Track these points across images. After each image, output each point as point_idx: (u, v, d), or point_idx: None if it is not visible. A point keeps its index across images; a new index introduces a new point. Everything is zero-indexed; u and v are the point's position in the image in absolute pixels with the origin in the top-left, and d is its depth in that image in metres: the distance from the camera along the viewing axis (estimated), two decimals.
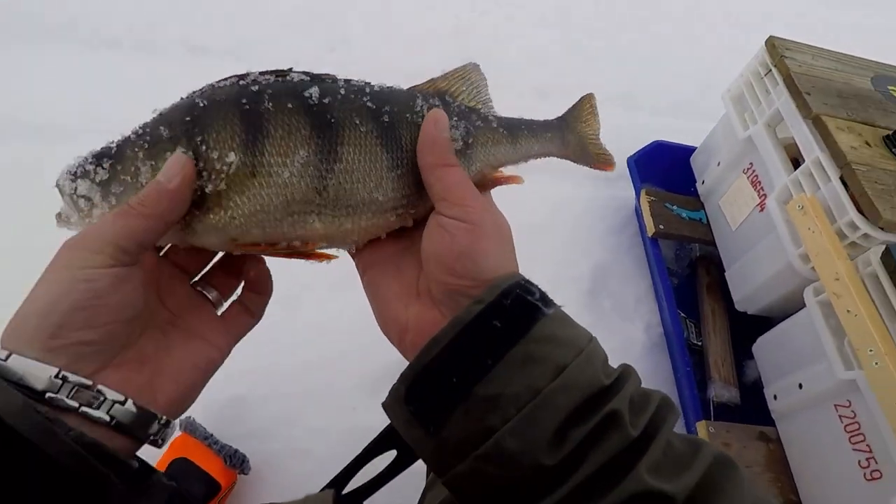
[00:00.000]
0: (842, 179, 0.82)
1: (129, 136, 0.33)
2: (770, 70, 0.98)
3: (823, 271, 0.79)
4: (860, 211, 0.78)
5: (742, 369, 1.05)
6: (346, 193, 0.33)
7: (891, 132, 0.86)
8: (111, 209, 0.32)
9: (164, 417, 0.31)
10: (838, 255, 0.77)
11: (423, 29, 1.75)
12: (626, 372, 0.30)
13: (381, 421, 1.11)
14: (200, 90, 0.34)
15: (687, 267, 1.21)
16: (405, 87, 0.38)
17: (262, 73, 0.34)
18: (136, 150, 0.32)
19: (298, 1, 1.72)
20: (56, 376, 0.27)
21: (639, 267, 1.23)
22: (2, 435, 0.24)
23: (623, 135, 1.43)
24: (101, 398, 0.28)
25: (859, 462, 0.74)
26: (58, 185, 0.33)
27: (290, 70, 0.35)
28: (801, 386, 0.85)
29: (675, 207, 1.16)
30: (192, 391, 0.33)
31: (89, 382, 0.28)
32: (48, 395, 0.26)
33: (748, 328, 1.03)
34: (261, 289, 0.38)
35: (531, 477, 0.27)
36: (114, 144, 0.33)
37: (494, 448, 0.27)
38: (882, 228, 0.76)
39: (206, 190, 0.32)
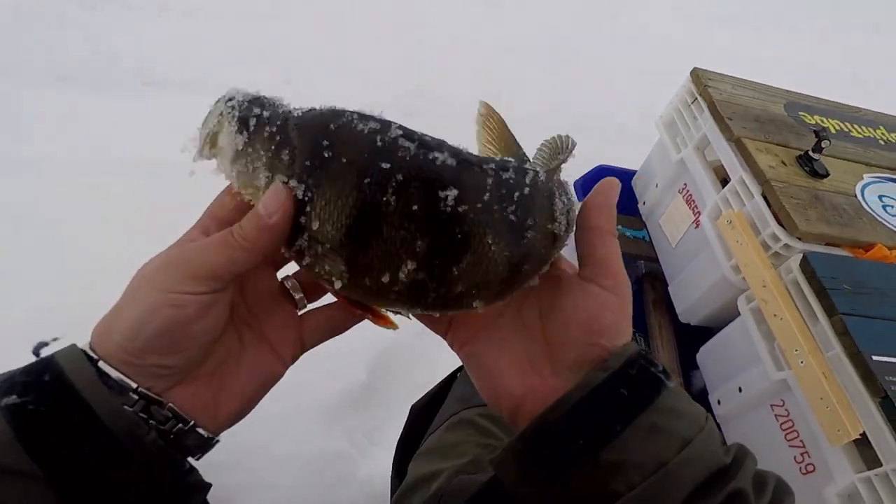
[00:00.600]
0: (763, 196, 0.89)
1: (274, 123, 0.29)
2: (696, 98, 1.07)
3: (752, 280, 0.85)
4: (780, 223, 0.85)
5: (689, 378, 1.10)
6: (444, 297, 0.29)
7: (803, 152, 0.95)
8: (230, 176, 0.30)
9: (217, 439, 0.32)
10: (764, 265, 0.84)
11: (375, 63, 1.81)
12: (742, 451, 0.30)
13: (344, 448, 1.09)
14: (337, 119, 0.28)
15: (634, 283, 1.27)
16: None
17: (404, 130, 0.28)
18: (263, 149, 0.29)
19: (249, 37, 1.75)
20: (133, 391, 0.28)
21: None
22: (98, 432, 0.26)
23: (570, 161, 1.51)
24: (170, 417, 0.29)
25: (795, 457, 0.79)
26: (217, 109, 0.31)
27: (443, 144, 0.28)
28: (740, 390, 0.90)
29: (619, 227, 1.22)
30: (249, 406, 0.33)
31: (162, 400, 0.29)
32: (125, 407, 0.28)
33: (692, 339, 1.08)
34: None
35: None
36: (265, 113, 0.29)
37: None
38: (799, 238, 0.83)
39: (307, 244, 0.29)
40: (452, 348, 0.36)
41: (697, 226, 1.04)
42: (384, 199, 0.27)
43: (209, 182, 0.33)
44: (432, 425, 0.63)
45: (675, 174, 1.12)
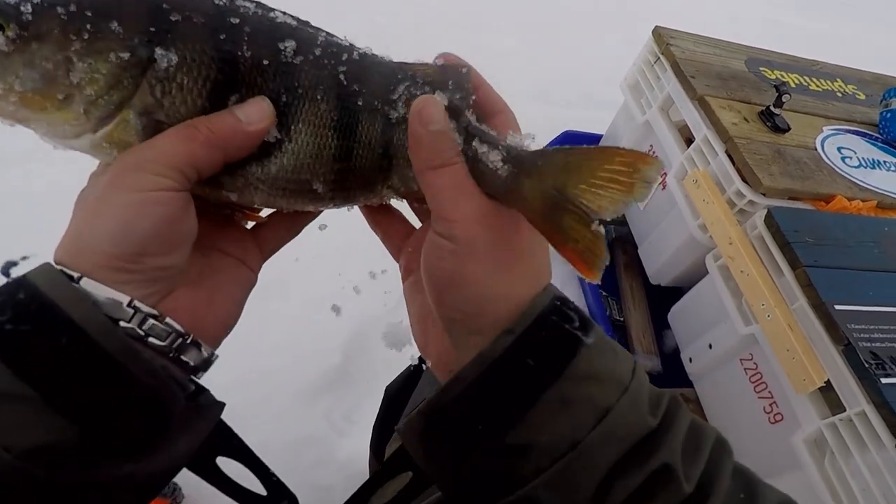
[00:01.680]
0: (727, 153, 0.89)
1: (55, 6, 0.25)
2: (659, 58, 1.06)
3: (719, 238, 0.85)
4: (744, 180, 0.86)
5: (661, 339, 1.11)
6: (285, 175, 0.30)
7: (764, 108, 0.95)
8: (5, 94, 0.25)
9: (215, 354, 0.30)
10: (730, 222, 0.84)
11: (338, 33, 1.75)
12: (674, 405, 0.27)
13: (322, 430, 1.09)
14: None
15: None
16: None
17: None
18: (70, 33, 0.25)
19: None
20: (128, 305, 0.26)
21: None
22: (89, 351, 0.24)
23: (537, 128, 1.49)
24: (169, 331, 0.27)
25: (763, 408, 0.81)
26: None
27: (273, 9, 0.29)
28: (710, 346, 0.92)
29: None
30: (238, 311, 0.32)
31: (157, 313, 0.27)
32: (121, 323, 0.25)
33: (664, 300, 1.10)
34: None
35: None
36: (25, 8, 0.24)
37: (526, 500, 0.25)
38: (763, 194, 0.84)
39: (153, 115, 0.27)
40: (401, 272, 0.36)
41: (664, 187, 1.05)
42: (239, 53, 0.27)
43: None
44: (408, 406, 0.62)
45: (641, 136, 1.12)
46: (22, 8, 0.24)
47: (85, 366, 0.24)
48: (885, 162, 0.98)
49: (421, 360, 0.69)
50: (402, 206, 0.37)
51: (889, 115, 1.02)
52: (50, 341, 0.23)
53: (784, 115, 0.94)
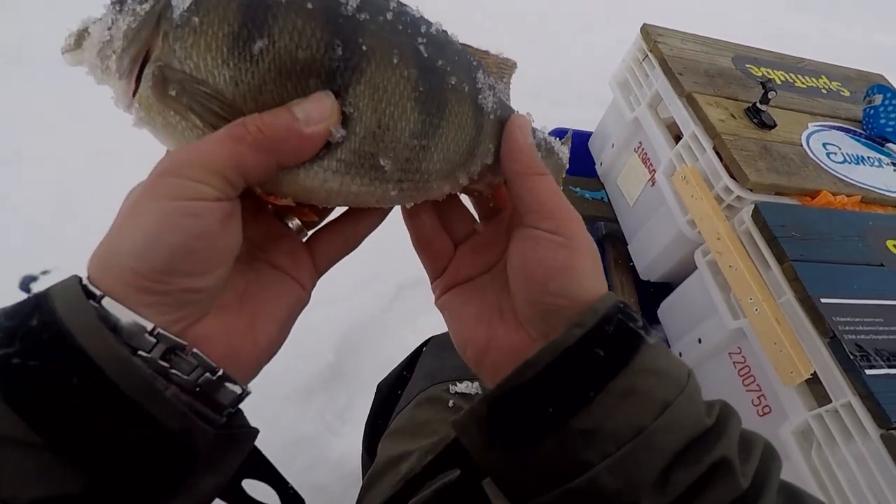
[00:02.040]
0: (715, 150, 0.90)
1: None
2: (647, 55, 1.07)
3: (707, 233, 0.86)
4: (732, 176, 0.87)
5: None
6: (352, 147, 0.26)
7: (751, 104, 0.96)
8: (99, 53, 0.24)
9: (247, 390, 0.27)
10: (718, 218, 0.85)
11: None
12: (726, 410, 0.28)
13: (316, 429, 1.09)
14: None
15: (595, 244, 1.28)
16: None
17: None
18: None
19: None
20: (150, 333, 0.23)
21: None
22: (104, 392, 0.21)
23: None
24: (195, 365, 0.24)
25: (752, 401, 0.82)
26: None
27: None
28: (700, 341, 0.93)
29: (578, 189, 1.23)
30: (285, 331, 0.30)
31: (185, 344, 0.24)
32: (140, 353, 0.22)
33: (653, 295, 1.11)
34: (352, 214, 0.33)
35: None
36: None
37: (589, 484, 0.25)
38: (750, 189, 0.85)
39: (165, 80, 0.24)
40: (435, 294, 0.35)
41: (654, 184, 1.06)
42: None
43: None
44: (400, 402, 0.62)
45: (630, 133, 1.13)
46: None
47: (98, 409, 0.21)
48: (868, 157, 1.00)
49: (413, 357, 0.69)
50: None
51: (872, 111, 1.04)
52: (60, 380, 0.21)
53: (770, 112, 0.96)
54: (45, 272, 0.96)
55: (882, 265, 0.80)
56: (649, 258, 1.08)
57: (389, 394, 0.67)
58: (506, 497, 0.28)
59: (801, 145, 0.96)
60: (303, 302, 0.31)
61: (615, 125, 1.19)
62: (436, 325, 0.78)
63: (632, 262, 1.14)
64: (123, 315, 0.22)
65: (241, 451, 0.27)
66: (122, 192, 0.25)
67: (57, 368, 0.21)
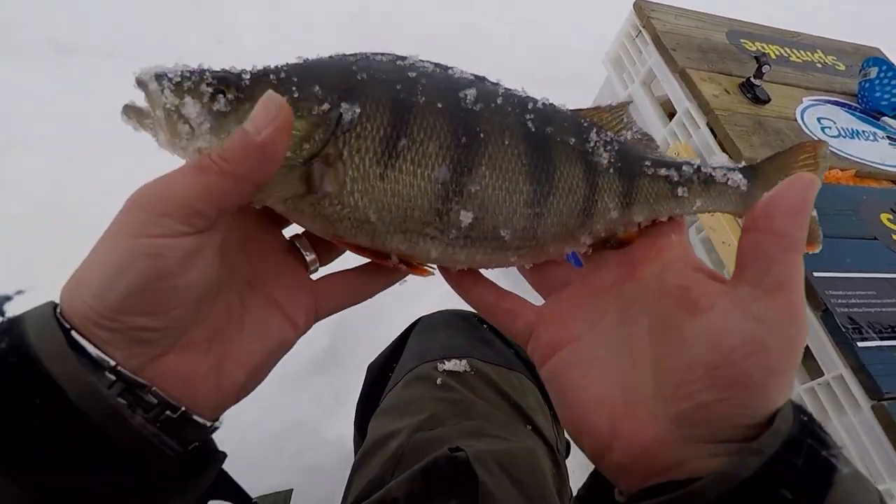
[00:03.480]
0: (709, 126, 0.90)
1: (268, 74, 0.27)
2: (640, 31, 1.05)
3: None
4: (725, 151, 0.86)
5: None
6: (470, 222, 0.28)
7: (745, 79, 0.95)
8: (209, 150, 0.25)
9: (215, 426, 0.26)
10: None
11: (319, 13, 1.71)
12: None
13: (312, 412, 1.08)
14: (355, 56, 0.29)
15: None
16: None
17: (421, 60, 0.30)
18: (280, 94, 0.26)
19: None
20: (110, 370, 0.22)
21: None
22: (65, 413, 0.21)
23: None
24: (155, 403, 0.23)
25: None
26: (143, 84, 0.26)
27: (452, 67, 0.31)
28: None
29: None
30: (258, 377, 0.28)
31: (144, 383, 0.23)
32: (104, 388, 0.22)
33: None
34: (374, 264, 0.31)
35: None
36: (245, 75, 0.27)
37: None
38: None
39: (326, 176, 0.27)
40: (533, 359, 0.29)
41: None
42: (415, 99, 0.28)
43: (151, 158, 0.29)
44: (390, 382, 0.62)
45: None
46: (242, 76, 0.27)
47: (61, 433, 0.21)
48: (863, 131, 0.99)
49: (403, 336, 0.69)
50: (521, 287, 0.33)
51: (868, 84, 1.03)
52: (24, 401, 0.21)
53: (764, 87, 0.95)
54: (19, 292, 0.96)
55: (875, 239, 0.80)
56: None
57: (379, 374, 0.67)
58: None
59: (796, 120, 0.95)
60: (287, 345, 0.29)
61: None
62: (430, 308, 0.78)
63: None
64: (90, 348, 0.22)
65: (207, 477, 0.26)
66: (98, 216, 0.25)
67: (24, 393, 0.21)
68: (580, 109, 0.32)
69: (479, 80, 0.30)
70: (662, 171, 0.31)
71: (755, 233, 0.23)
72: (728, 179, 0.31)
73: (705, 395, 0.22)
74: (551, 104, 0.31)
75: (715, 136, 0.88)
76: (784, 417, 0.22)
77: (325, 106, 0.27)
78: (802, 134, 0.93)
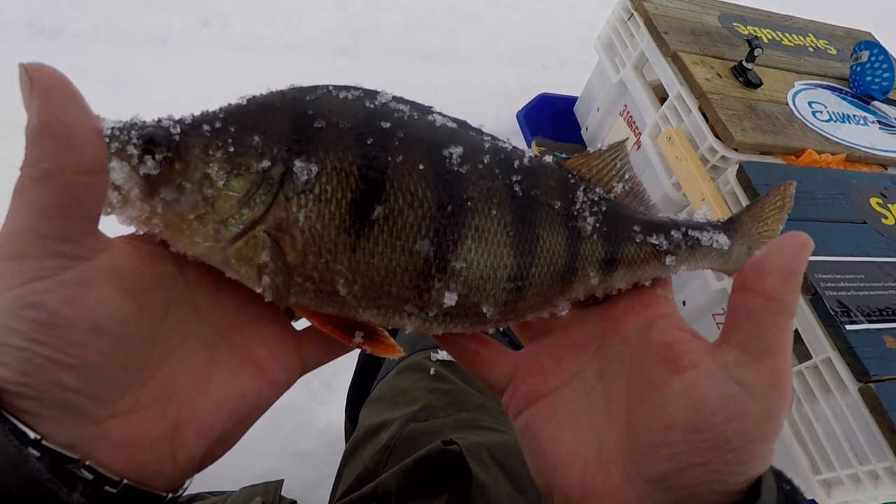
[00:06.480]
0: (700, 110, 0.89)
1: (202, 126, 0.24)
2: (632, 14, 1.04)
3: (692, 195, 0.86)
4: (717, 136, 0.86)
5: None
6: (453, 304, 0.26)
7: (737, 63, 0.94)
8: (150, 216, 0.23)
9: (174, 496, 0.23)
10: (702, 178, 0.84)
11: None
12: None
13: (302, 398, 1.08)
14: (313, 91, 0.25)
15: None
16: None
17: (395, 98, 0.26)
18: (212, 151, 0.23)
19: None
20: (34, 445, 0.19)
21: None
22: None
23: (512, 93, 1.47)
24: (89, 480, 0.20)
25: None
26: None
27: (431, 109, 0.27)
28: (684, 303, 0.93)
29: (563, 155, 1.21)
30: (223, 445, 0.24)
31: (73, 457, 0.20)
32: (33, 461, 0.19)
33: None
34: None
35: None
36: (175, 130, 0.24)
37: None
38: (735, 149, 0.84)
39: (284, 240, 0.24)
40: (508, 410, 0.28)
41: (639, 147, 1.04)
42: (390, 159, 0.24)
43: None
44: (381, 370, 0.62)
45: (616, 96, 1.11)
46: (171, 130, 0.24)
47: None
48: (854, 116, 0.99)
49: None
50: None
51: (859, 68, 1.03)
52: None
53: (756, 70, 0.94)
54: None
55: (865, 223, 0.80)
56: None
57: (370, 361, 0.66)
58: None
59: (787, 104, 0.95)
60: (262, 406, 0.25)
61: (600, 88, 1.17)
62: None
63: None
64: (14, 421, 0.19)
65: None
66: None
67: None
68: (567, 159, 0.30)
69: (462, 128, 0.27)
70: (650, 239, 0.29)
71: (746, 294, 0.22)
72: (713, 242, 0.30)
73: (682, 459, 0.21)
74: (538, 157, 0.28)
75: (706, 120, 0.88)
76: (769, 488, 0.21)
77: (266, 163, 0.23)
78: (793, 118, 0.92)
